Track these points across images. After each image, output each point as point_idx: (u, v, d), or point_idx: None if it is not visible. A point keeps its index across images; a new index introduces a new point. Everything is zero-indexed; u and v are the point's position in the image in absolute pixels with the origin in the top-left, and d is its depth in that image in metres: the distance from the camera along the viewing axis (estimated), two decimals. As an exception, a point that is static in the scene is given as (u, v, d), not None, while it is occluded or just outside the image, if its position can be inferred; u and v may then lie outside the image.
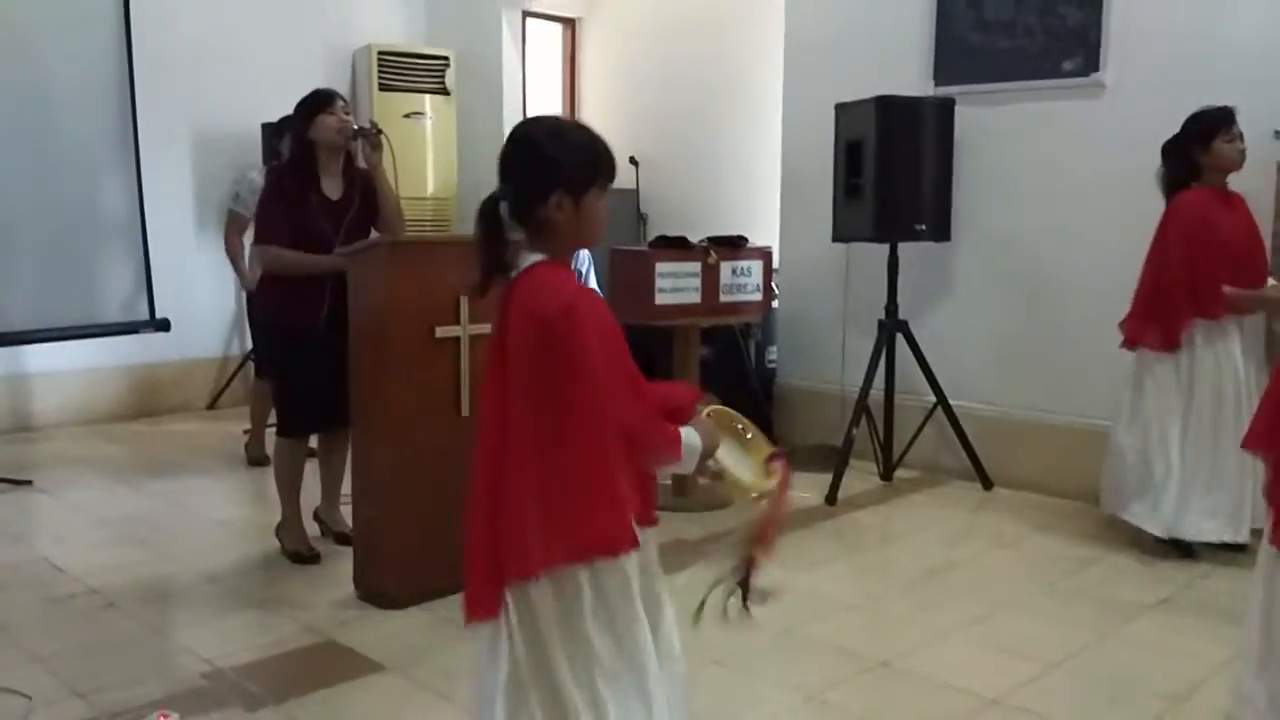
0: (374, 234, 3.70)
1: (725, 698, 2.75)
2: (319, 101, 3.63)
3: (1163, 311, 3.65)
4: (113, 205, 5.15)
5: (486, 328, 3.45)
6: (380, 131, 3.70)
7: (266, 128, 5.43)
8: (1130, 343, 3.76)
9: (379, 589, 3.35)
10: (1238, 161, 3.58)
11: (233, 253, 5.14)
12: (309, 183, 3.59)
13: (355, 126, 3.66)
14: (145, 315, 5.16)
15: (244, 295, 5.36)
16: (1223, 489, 3.59)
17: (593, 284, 5.44)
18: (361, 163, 3.69)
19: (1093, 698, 2.70)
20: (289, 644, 3.03)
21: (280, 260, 3.57)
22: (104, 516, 4.31)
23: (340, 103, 3.66)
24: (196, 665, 2.87)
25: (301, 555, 3.71)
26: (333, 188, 3.64)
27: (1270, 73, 3.84)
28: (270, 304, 3.77)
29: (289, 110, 3.79)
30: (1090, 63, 4.36)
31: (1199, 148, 3.56)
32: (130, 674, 2.80)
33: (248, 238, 4.75)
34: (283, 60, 6.13)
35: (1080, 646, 2.99)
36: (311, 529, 3.87)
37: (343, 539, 3.75)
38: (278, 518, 3.81)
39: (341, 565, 3.55)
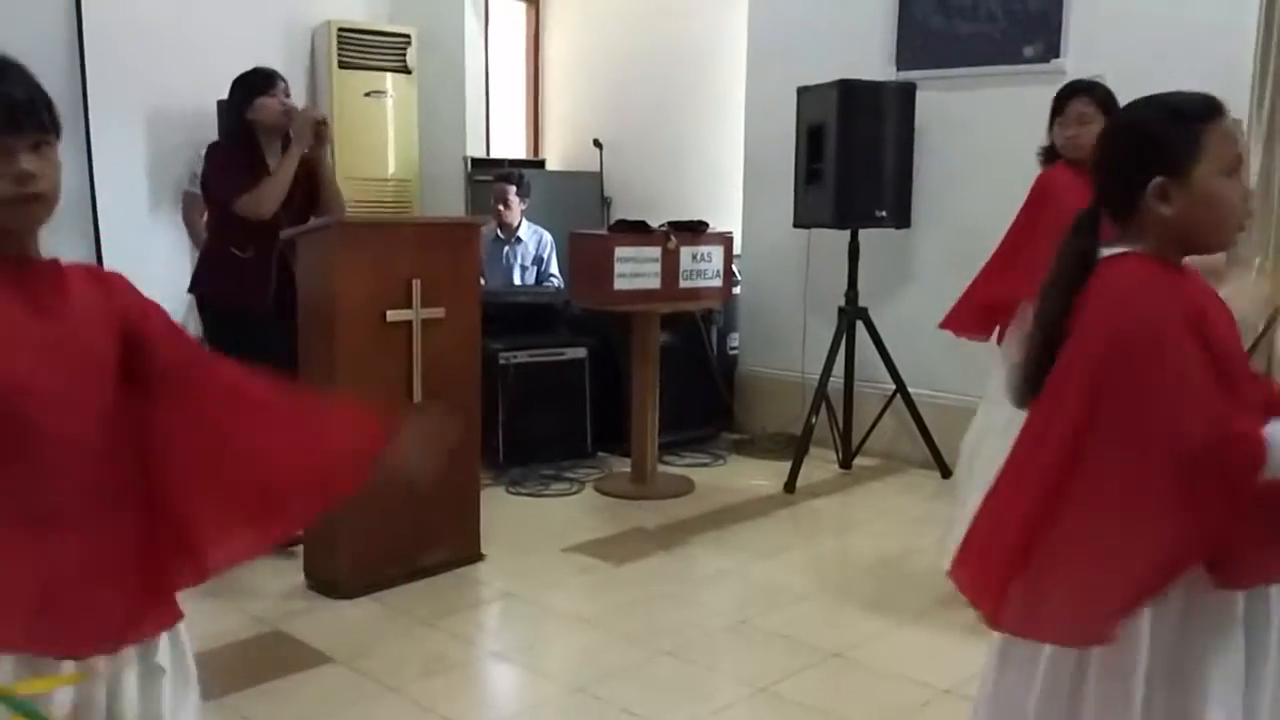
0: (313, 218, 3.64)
1: (677, 689, 2.73)
2: (259, 83, 3.55)
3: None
4: (62, 183, 5.02)
5: (440, 312, 3.44)
6: (325, 123, 3.60)
7: (222, 105, 5.32)
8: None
9: (329, 579, 3.30)
10: (1065, 148, 3.21)
11: (195, 231, 5.00)
12: (256, 162, 3.51)
13: (317, 116, 3.58)
14: (96, 296, 5.04)
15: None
16: None
17: (554, 269, 5.40)
18: (301, 147, 3.58)
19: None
20: (235, 635, 2.99)
21: (263, 195, 3.44)
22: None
23: (281, 84, 3.58)
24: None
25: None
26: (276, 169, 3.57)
27: (1229, 58, 3.84)
28: (215, 283, 3.65)
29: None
30: (1051, 49, 4.35)
31: (1053, 123, 3.27)
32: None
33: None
34: (240, 36, 5.99)
35: (1032, 636, 3.00)
36: None
37: None
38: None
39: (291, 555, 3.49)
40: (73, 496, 1.33)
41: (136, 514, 1.39)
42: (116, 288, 1.44)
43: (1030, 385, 1.57)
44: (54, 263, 1.39)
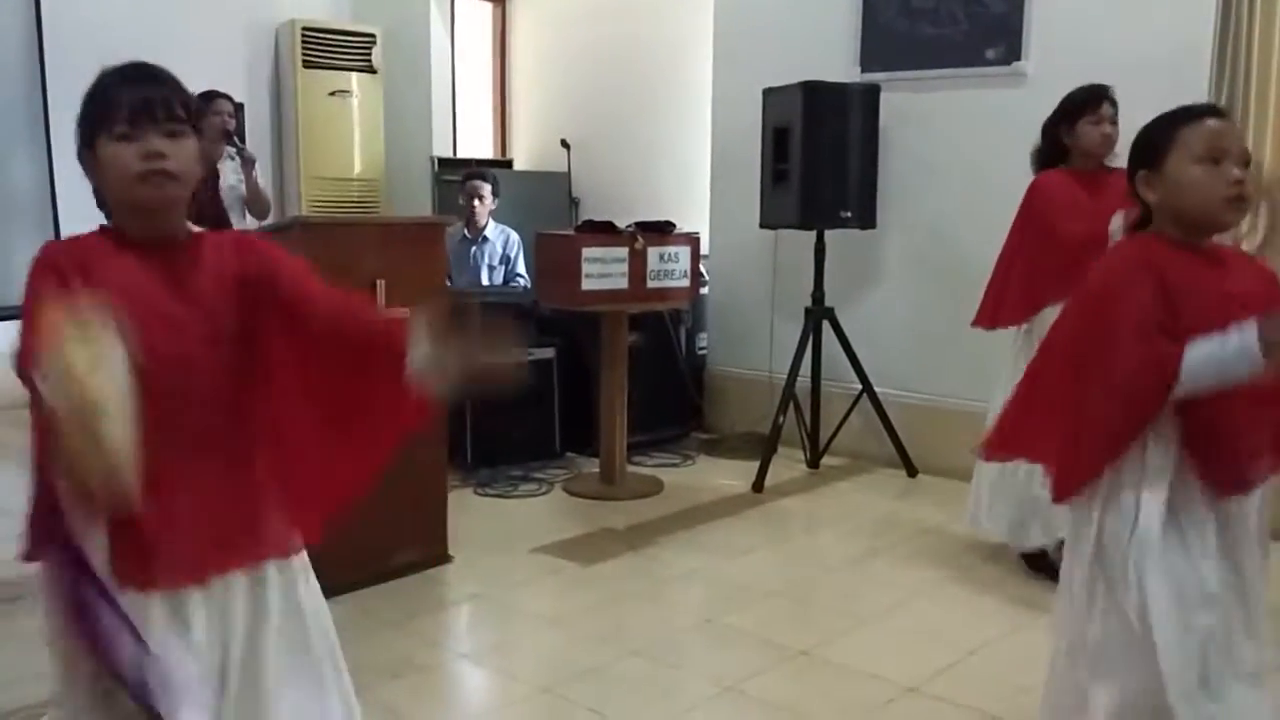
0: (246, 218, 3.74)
1: (645, 688, 2.74)
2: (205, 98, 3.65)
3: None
4: (21, 184, 4.96)
5: (405, 313, 3.41)
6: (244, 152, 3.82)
7: (184, 105, 5.28)
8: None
9: (296, 581, 3.27)
10: (1100, 144, 3.33)
11: None
12: (212, 173, 3.54)
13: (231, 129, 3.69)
14: (57, 298, 4.98)
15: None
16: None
17: (520, 269, 5.39)
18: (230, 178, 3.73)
19: (1005, 685, 2.73)
20: (199, 639, 2.95)
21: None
22: (10, 507, 4.16)
23: (226, 104, 3.67)
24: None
25: None
26: None
27: (1189, 62, 3.90)
28: None
29: (208, 86, 3.69)
30: (1013, 51, 4.40)
31: (1065, 128, 3.36)
32: (37, 669, 2.70)
33: None
34: (203, 35, 5.94)
35: (995, 634, 3.03)
36: None
37: None
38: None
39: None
40: (192, 446, 1.51)
41: (247, 466, 1.58)
42: (248, 250, 1.63)
43: None
44: (197, 237, 1.59)
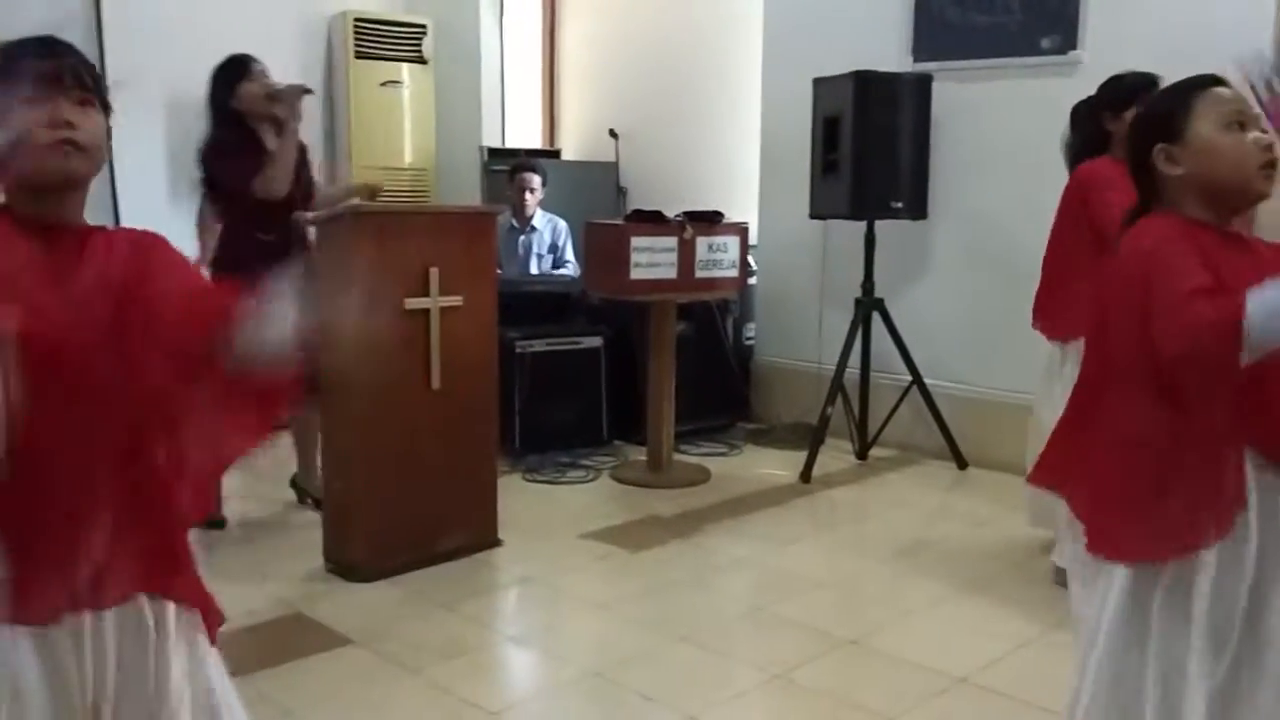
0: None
1: (693, 674, 2.75)
2: (236, 70, 3.59)
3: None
4: (105, 151, 5.05)
5: (457, 300, 3.46)
6: (309, 91, 3.64)
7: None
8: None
9: (348, 562, 3.33)
10: None
11: (203, 234, 4.90)
12: (259, 148, 3.53)
13: (299, 89, 3.58)
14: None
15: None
16: None
17: (569, 256, 5.42)
18: (295, 121, 3.59)
19: (1057, 678, 2.71)
20: (258, 616, 3.02)
21: (274, 174, 3.50)
22: None
23: (257, 67, 3.61)
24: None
25: (313, 499, 3.84)
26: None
27: (1248, 49, 3.82)
28: (242, 268, 3.65)
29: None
30: (1068, 40, 4.34)
31: (1109, 115, 3.17)
32: None
33: None
34: (256, 28, 6.00)
35: (1047, 627, 3.00)
36: (288, 495, 3.90)
37: (320, 505, 3.74)
38: (245, 491, 3.80)
39: (311, 536, 3.53)
40: (66, 452, 1.35)
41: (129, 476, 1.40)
42: (142, 248, 1.47)
43: None
44: (84, 230, 1.44)
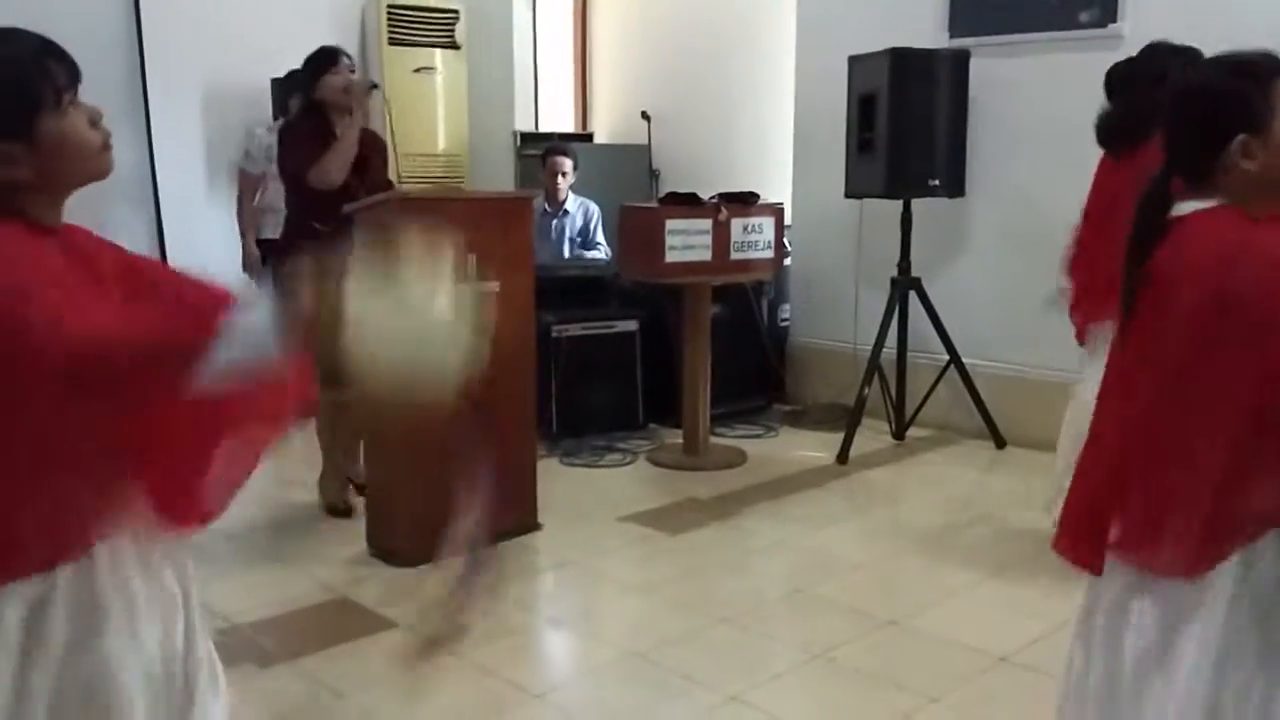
0: None
1: (734, 655, 2.77)
2: (323, 60, 3.63)
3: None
4: (122, 165, 5.12)
5: (495, 286, 3.47)
6: (375, 86, 3.74)
7: (275, 83, 5.39)
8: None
9: (391, 546, 3.37)
10: None
11: (243, 222, 4.94)
12: (327, 135, 3.58)
13: (366, 85, 3.66)
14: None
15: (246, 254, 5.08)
16: None
17: (600, 238, 5.42)
18: (357, 117, 3.65)
19: (1101, 656, 2.71)
20: (303, 600, 3.07)
21: (328, 164, 3.52)
22: None
23: (344, 60, 3.65)
24: (212, 621, 2.86)
25: (336, 509, 3.77)
26: None
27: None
28: (297, 251, 3.65)
29: (298, 65, 3.77)
30: (1108, 13, 4.28)
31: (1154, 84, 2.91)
32: None
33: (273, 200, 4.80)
34: (291, 14, 6.05)
35: (1089, 605, 2.99)
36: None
37: (363, 490, 3.79)
38: (292, 477, 3.84)
39: (354, 521, 3.57)
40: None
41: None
42: (109, 247, 1.47)
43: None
44: (68, 227, 1.42)
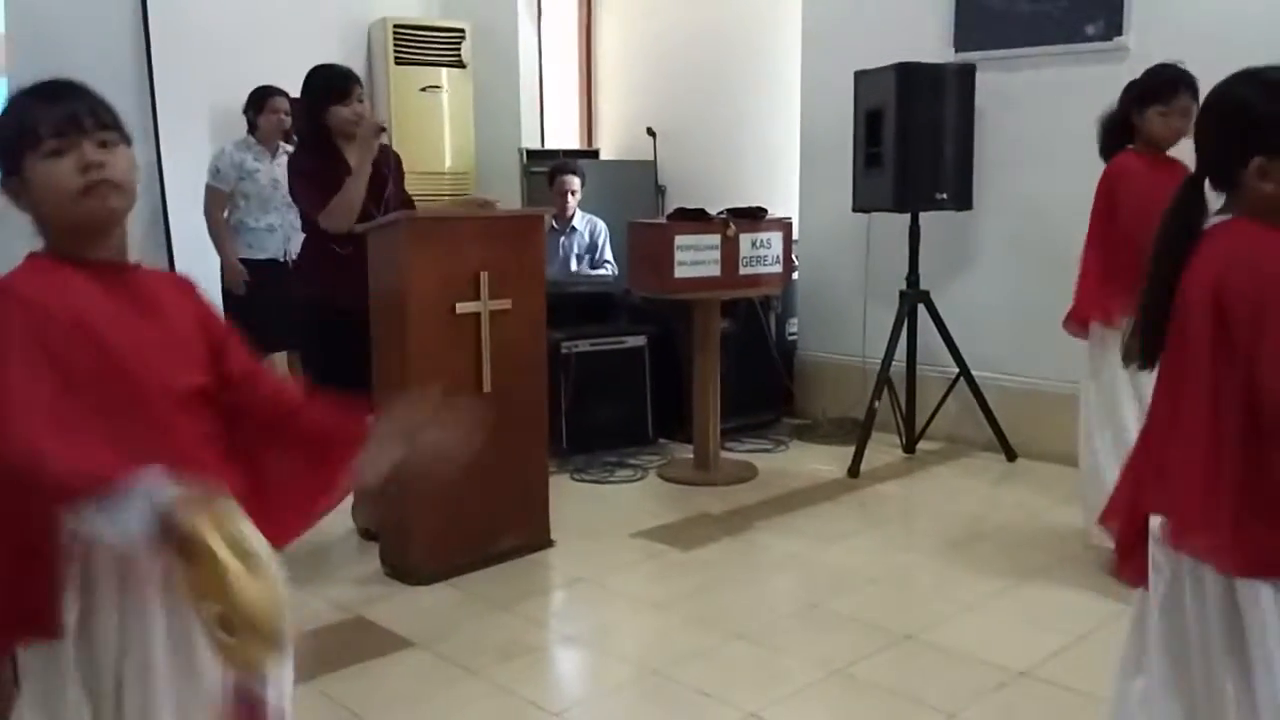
0: None
1: (751, 671, 2.77)
2: (332, 92, 3.55)
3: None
4: (136, 185, 5.14)
5: (507, 303, 3.49)
6: (383, 129, 3.68)
7: (294, 102, 5.40)
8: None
9: (405, 565, 3.37)
10: (1163, 138, 3.13)
11: (217, 237, 4.91)
12: (338, 166, 3.52)
13: (376, 127, 3.55)
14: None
15: (254, 277, 5.01)
16: None
17: (608, 255, 5.44)
18: (368, 157, 3.53)
19: (1120, 669, 2.70)
20: (318, 620, 3.06)
21: (338, 211, 3.45)
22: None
23: (356, 90, 3.59)
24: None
25: (369, 533, 3.68)
26: None
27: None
28: (322, 281, 3.57)
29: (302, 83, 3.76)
30: (1114, 27, 4.30)
31: (1135, 109, 3.19)
32: None
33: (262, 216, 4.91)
34: (299, 34, 6.09)
35: (1105, 618, 2.98)
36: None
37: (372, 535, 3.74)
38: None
39: (367, 541, 3.57)
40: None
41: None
42: (191, 293, 1.55)
43: (1148, 347, 1.68)
44: (126, 265, 1.48)
